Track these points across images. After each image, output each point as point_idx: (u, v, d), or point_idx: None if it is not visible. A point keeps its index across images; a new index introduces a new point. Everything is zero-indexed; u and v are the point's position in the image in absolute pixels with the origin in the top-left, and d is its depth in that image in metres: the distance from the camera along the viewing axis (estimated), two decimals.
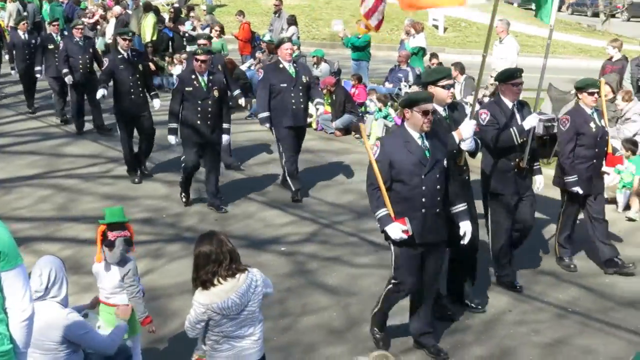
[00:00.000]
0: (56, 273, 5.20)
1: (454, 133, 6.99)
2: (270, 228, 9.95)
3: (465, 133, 6.96)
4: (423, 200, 6.41)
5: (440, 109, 7.11)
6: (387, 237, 6.54)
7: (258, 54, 18.16)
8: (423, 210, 6.43)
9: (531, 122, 7.81)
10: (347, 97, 14.89)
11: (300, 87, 10.95)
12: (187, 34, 19.62)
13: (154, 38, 18.93)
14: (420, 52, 17.41)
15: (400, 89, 16.03)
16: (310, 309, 7.71)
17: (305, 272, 8.62)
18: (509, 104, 7.94)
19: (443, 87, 7.09)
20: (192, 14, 21.92)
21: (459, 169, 7.24)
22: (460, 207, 6.71)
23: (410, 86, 15.88)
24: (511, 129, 7.78)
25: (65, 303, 5.29)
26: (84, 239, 9.27)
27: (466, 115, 7.34)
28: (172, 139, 10.48)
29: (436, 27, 29.64)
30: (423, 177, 6.37)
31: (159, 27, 19.20)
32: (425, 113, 6.29)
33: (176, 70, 17.47)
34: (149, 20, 18.94)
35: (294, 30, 19.52)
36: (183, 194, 10.78)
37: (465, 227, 6.68)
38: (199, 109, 10.23)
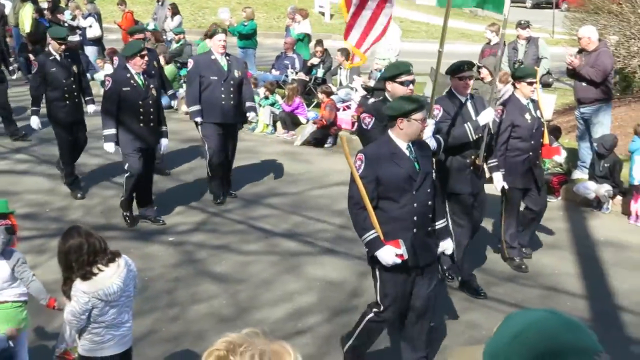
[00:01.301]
0: None
1: None
2: None
3: (424, 133, 6.59)
4: (415, 218, 5.78)
5: None
6: (373, 261, 5.86)
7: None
8: (415, 230, 5.79)
9: (487, 117, 7.46)
10: None
11: (232, 82, 10.24)
12: (66, 24, 19.06)
13: (33, 29, 18.30)
14: (305, 38, 17.47)
15: (287, 76, 16.08)
16: (199, 298, 7.67)
17: (193, 261, 8.56)
18: (462, 98, 7.55)
19: (402, 83, 6.71)
20: (71, 3, 21.31)
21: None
22: (442, 223, 6.16)
23: (296, 73, 15.95)
24: (465, 125, 7.39)
25: None
26: None
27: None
28: (110, 146, 9.35)
29: (322, 14, 29.77)
30: (414, 192, 5.73)
31: (35, 17, 18.53)
32: (423, 120, 5.82)
33: (107, 69, 16.77)
34: (27, 10, 18.27)
35: (179, 19, 19.28)
36: (127, 213, 9.64)
37: (447, 245, 6.14)
38: (141, 110, 9.32)
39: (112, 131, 9.31)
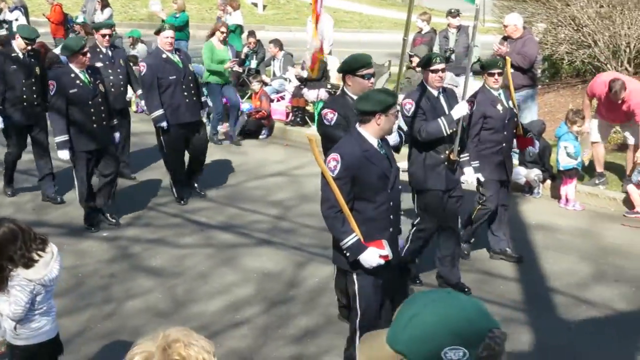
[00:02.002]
0: None
1: None
2: None
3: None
4: (391, 217, 5.64)
5: None
6: (352, 267, 5.58)
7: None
8: (391, 230, 5.66)
9: (460, 110, 7.26)
10: None
11: (190, 78, 9.93)
12: None
13: None
14: (237, 29, 17.37)
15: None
16: (134, 293, 7.57)
17: (128, 256, 8.45)
18: (434, 92, 7.26)
19: (363, 76, 6.38)
20: None
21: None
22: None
23: None
24: (439, 120, 7.13)
25: None
26: None
27: None
28: (65, 154, 8.82)
29: (255, 4, 29.68)
30: (389, 191, 5.57)
31: None
32: (396, 116, 5.61)
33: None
34: None
35: (109, 12, 18.99)
36: (93, 228, 9.14)
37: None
38: (92, 110, 8.81)
39: (65, 137, 8.75)
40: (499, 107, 7.97)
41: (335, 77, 14.20)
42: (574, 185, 10.15)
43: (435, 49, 13.22)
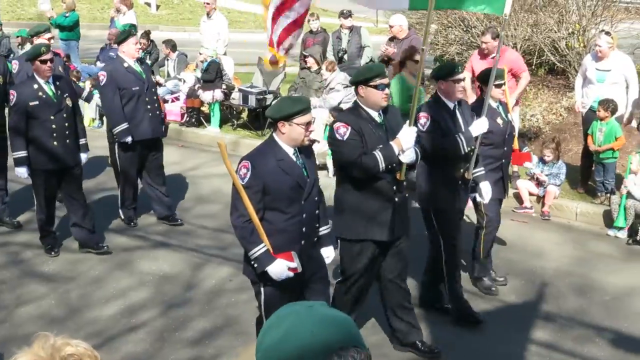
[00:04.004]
0: None
1: (392, 143, 5.82)
2: None
3: (406, 143, 5.82)
4: (303, 230, 5.40)
5: (374, 114, 5.93)
6: (259, 278, 5.42)
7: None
8: (302, 242, 5.42)
9: (480, 127, 6.71)
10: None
11: (153, 90, 9.31)
12: None
13: None
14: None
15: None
16: (26, 299, 7.38)
17: (19, 262, 8.24)
18: (450, 105, 6.72)
19: (376, 87, 5.84)
20: None
21: (398, 185, 6.03)
22: (326, 229, 5.76)
23: None
24: (457, 137, 6.59)
25: None
26: None
27: (402, 121, 6.17)
28: (23, 171, 8.14)
29: (148, 4, 29.24)
30: (303, 202, 5.34)
31: None
32: (307, 125, 5.25)
33: None
34: None
35: None
36: (50, 246, 8.47)
37: (329, 252, 5.76)
38: (54, 126, 8.03)
39: (23, 154, 8.04)
40: (499, 120, 7.35)
41: (230, 78, 14.17)
42: None
43: (329, 49, 13.37)
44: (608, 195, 9.64)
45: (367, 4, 7.58)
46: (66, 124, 8.15)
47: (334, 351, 1.80)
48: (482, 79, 7.23)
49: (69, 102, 8.23)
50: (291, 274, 5.27)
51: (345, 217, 6.05)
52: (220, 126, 13.65)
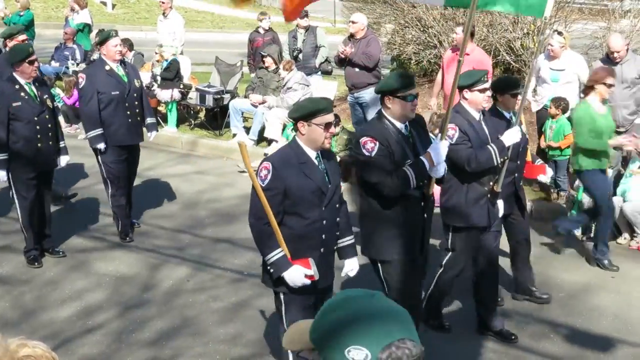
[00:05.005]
0: None
1: (423, 158, 5.49)
2: None
3: (437, 157, 5.50)
4: (323, 237, 5.19)
5: (400, 126, 5.57)
6: (277, 284, 5.21)
7: None
8: (322, 250, 5.21)
9: (513, 137, 6.42)
10: None
11: (135, 95, 8.79)
12: None
13: None
14: (85, 28, 16.99)
15: (67, 68, 15.55)
16: None
17: None
18: (476, 115, 6.41)
19: (405, 98, 5.47)
20: None
21: (427, 201, 5.72)
22: (349, 240, 5.51)
23: (77, 64, 15.47)
24: (489, 147, 6.28)
25: None
26: None
27: (428, 132, 5.97)
28: (2, 174, 7.88)
29: (104, 3, 28.96)
30: (323, 208, 5.13)
31: None
32: (327, 126, 5.00)
33: None
34: None
35: None
36: (33, 253, 8.19)
37: (353, 264, 5.55)
38: (37, 127, 7.82)
39: (4, 156, 7.79)
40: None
41: (187, 78, 14.10)
42: None
43: (285, 48, 13.38)
44: (560, 192, 9.77)
45: None
46: (49, 125, 7.98)
47: (393, 341, 1.87)
48: (499, 88, 6.85)
49: (49, 103, 8.07)
50: (308, 281, 5.05)
51: (373, 236, 5.74)
52: (178, 126, 13.58)
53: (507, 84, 6.91)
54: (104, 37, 8.80)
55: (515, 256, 7.46)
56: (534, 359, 6.51)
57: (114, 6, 29.18)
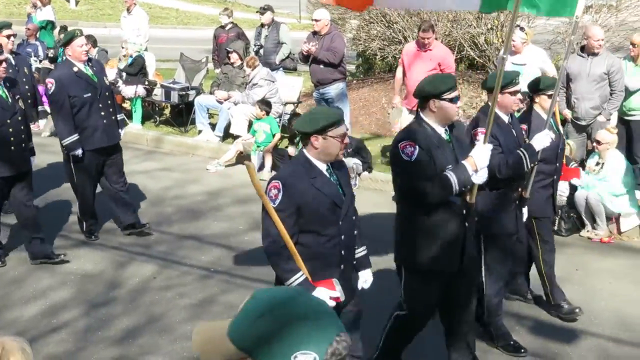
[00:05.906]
0: None
1: (464, 162, 5.22)
2: None
3: (480, 162, 5.23)
4: (342, 253, 4.92)
5: (440, 130, 5.32)
6: None
7: None
8: (342, 267, 4.94)
9: (543, 141, 6.21)
10: None
11: (107, 94, 8.57)
12: None
13: None
14: (49, 25, 16.81)
15: (30, 64, 15.35)
16: None
17: None
18: (505, 118, 6.17)
19: (451, 100, 5.23)
20: None
21: (467, 207, 5.44)
22: (362, 251, 5.28)
23: (40, 61, 15.29)
24: (520, 152, 6.03)
25: None
26: None
27: (468, 136, 5.79)
28: None
29: (67, 0, 28.73)
30: (340, 222, 4.87)
31: None
32: (343, 137, 4.77)
33: None
34: None
35: None
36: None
37: (367, 276, 5.29)
38: (11, 130, 7.56)
39: None
40: (552, 134, 6.50)
41: (152, 74, 14.02)
42: None
43: (252, 43, 13.39)
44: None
45: (435, 4, 7.48)
46: (22, 127, 7.75)
47: (333, 338, 1.89)
48: (536, 88, 6.74)
49: (21, 104, 7.84)
50: (333, 303, 4.68)
51: (410, 245, 5.43)
52: (143, 122, 13.50)
53: (545, 84, 6.71)
54: (69, 38, 8.48)
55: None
56: (498, 352, 6.56)
57: (77, 2, 28.93)
